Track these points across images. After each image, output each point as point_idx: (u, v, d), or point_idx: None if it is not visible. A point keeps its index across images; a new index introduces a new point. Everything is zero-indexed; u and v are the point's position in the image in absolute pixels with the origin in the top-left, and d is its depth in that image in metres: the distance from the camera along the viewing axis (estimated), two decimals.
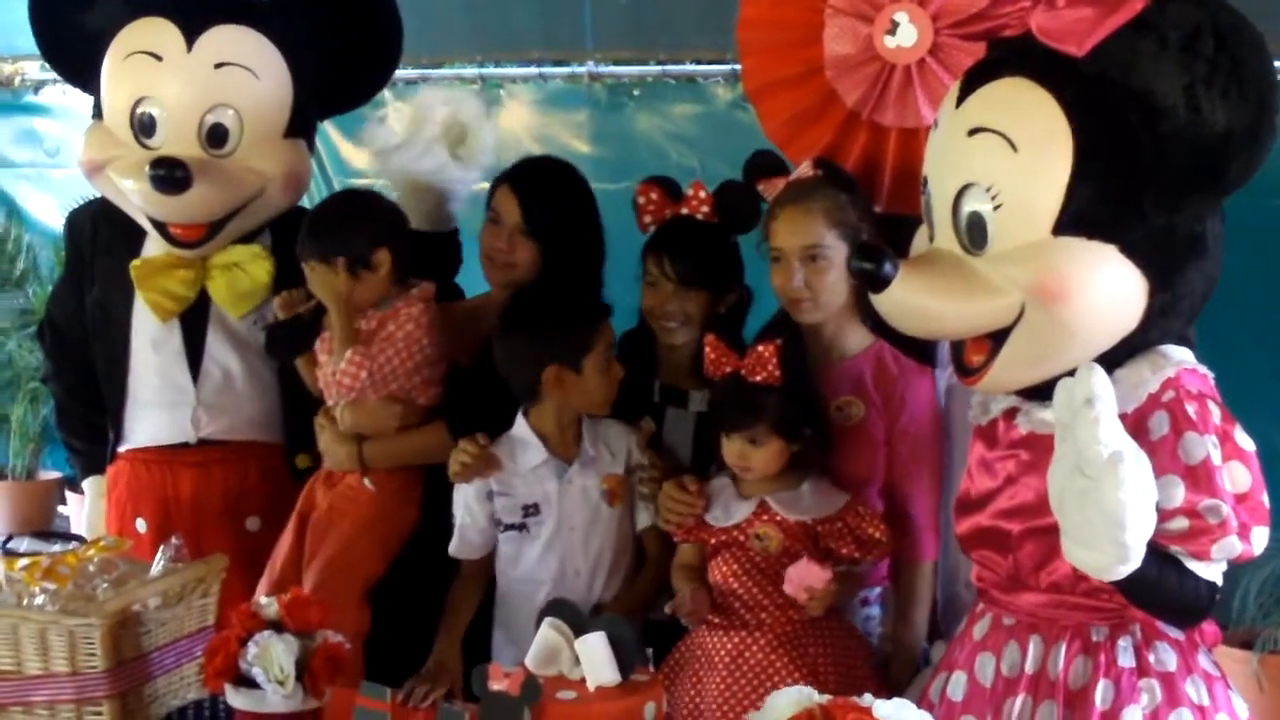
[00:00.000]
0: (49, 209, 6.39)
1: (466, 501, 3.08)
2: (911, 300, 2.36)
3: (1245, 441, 2.25)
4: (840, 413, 2.92)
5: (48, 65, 3.90)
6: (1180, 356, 2.32)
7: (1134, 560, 2.09)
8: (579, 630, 2.31)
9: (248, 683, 2.56)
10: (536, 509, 3.05)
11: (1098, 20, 2.21)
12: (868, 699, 2.03)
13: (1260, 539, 2.22)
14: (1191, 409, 2.23)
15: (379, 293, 3.21)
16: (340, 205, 3.34)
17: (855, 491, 2.88)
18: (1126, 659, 2.34)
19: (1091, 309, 2.25)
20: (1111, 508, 2.04)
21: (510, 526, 3.07)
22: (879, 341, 2.95)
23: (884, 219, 2.89)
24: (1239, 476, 2.22)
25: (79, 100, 3.68)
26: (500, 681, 2.25)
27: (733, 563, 2.86)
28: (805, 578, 2.74)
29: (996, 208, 2.27)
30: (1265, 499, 2.24)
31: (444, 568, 3.17)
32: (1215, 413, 2.25)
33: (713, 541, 2.90)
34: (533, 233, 3.25)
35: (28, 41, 3.58)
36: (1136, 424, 2.22)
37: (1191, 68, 2.14)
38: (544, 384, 2.99)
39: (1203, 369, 2.33)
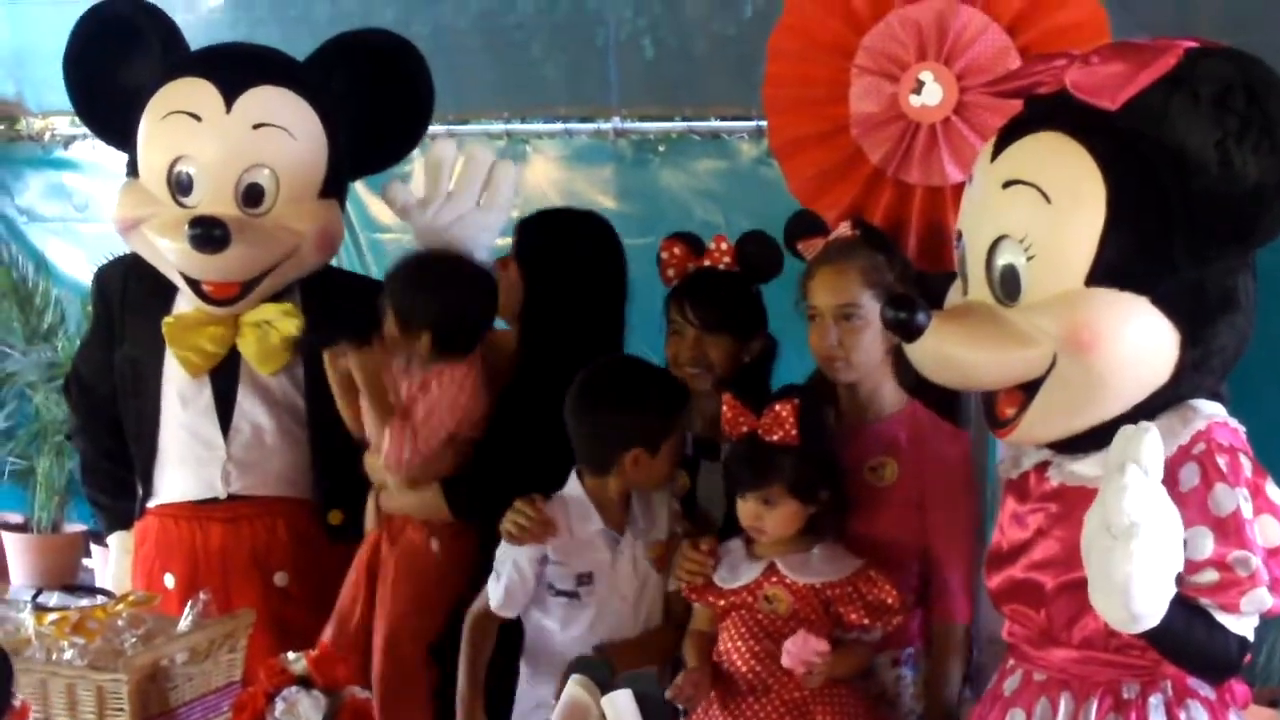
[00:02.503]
0: (78, 263, 6.42)
1: (518, 562, 2.97)
2: (944, 350, 2.35)
3: (1277, 495, 2.24)
4: (874, 473, 2.89)
5: (80, 121, 3.92)
6: (1211, 410, 2.31)
7: (1147, 623, 2.10)
8: (606, 688, 2.30)
9: None
10: (590, 577, 2.98)
11: (1131, 75, 2.22)
12: None
13: None
14: (1222, 461, 2.23)
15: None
16: (419, 275, 3.25)
17: (887, 553, 2.84)
18: (1158, 717, 2.32)
19: (1123, 360, 2.25)
20: (1119, 579, 2.06)
21: (562, 593, 2.99)
22: (914, 403, 2.93)
23: (923, 280, 2.88)
24: (1270, 530, 2.21)
25: (108, 156, 3.69)
26: None
27: (741, 625, 2.81)
28: (802, 651, 2.70)
29: (1030, 259, 2.28)
30: None
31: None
32: (1246, 466, 2.24)
33: (721, 603, 2.84)
34: (518, 257, 3.29)
35: (58, 97, 3.61)
36: (1166, 476, 2.19)
37: (1223, 123, 2.15)
38: (622, 464, 2.95)
39: (1234, 422, 2.32)
